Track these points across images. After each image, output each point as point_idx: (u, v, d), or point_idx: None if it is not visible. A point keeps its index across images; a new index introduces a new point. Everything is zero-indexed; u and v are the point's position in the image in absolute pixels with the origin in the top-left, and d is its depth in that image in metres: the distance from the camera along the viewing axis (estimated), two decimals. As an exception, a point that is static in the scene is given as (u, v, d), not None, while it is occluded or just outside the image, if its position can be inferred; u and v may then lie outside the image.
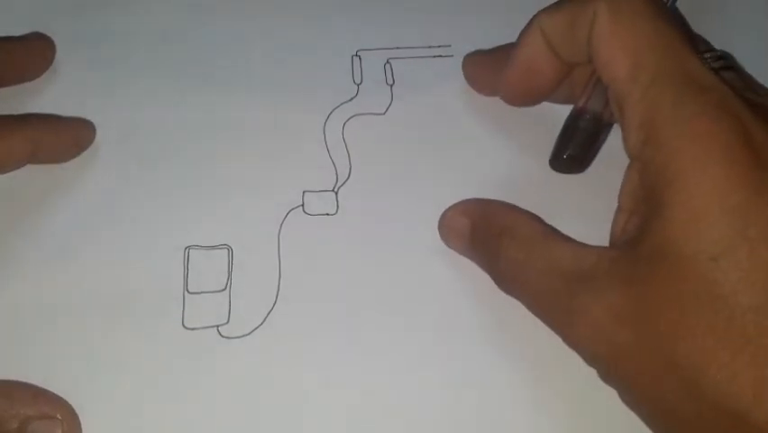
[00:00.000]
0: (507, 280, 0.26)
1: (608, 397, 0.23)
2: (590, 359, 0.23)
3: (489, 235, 0.26)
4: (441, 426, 0.25)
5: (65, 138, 0.29)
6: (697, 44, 0.26)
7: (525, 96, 0.29)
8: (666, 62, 0.22)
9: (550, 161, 0.28)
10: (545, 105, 0.29)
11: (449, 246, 0.28)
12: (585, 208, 0.28)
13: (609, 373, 0.23)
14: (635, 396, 0.23)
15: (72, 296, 0.27)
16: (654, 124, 0.22)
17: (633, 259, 0.22)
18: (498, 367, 0.26)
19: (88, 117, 0.30)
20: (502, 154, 0.30)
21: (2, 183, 0.28)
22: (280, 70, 0.32)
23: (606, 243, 0.26)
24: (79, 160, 0.29)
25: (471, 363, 0.26)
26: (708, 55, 0.26)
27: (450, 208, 0.28)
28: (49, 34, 0.31)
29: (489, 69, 0.30)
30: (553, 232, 0.25)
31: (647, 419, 0.23)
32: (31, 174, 0.29)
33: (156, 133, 0.30)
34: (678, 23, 0.25)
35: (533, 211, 0.26)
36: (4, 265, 0.27)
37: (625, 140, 0.23)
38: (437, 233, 0.28)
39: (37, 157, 0.28)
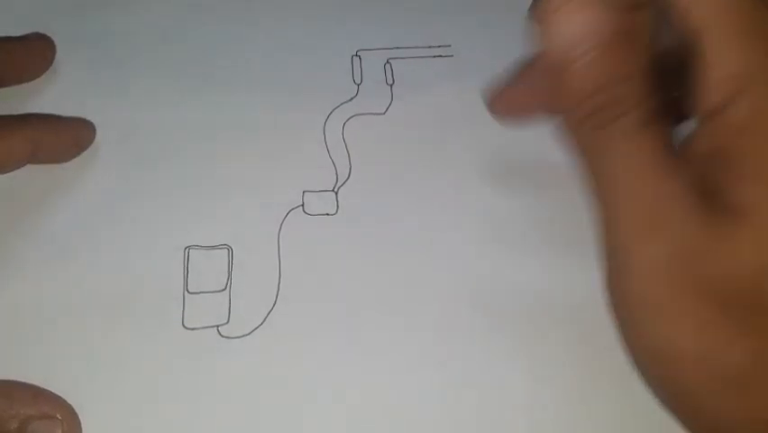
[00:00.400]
0: (609, 139, 0.20)
1: (609, 397, 0.23)
2: (640, 288, 0.20)
3: (622, 72, 0.19)
4: (441, 426, 0.25)
5: (65, 138, 0.29)
6: None
7: (513, 111, 0.26)
8: (756, 13, 0.19)
9: None
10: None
11: (540, 38, 0.20)
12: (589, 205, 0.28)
13: (647, 312, 0.20)
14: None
15: (72, 296, 0.27)
16: (744, 77, 0.19)
17: (719, 209, 0.19)
18: (498, 367, 0.26)
19: (88, 117, 0.30)
20: (502, 154, 0.30)
21: (2, 183, 0.28)
22: (280, 70, 0.32)
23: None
24: (79, 160, 0.29)
25: (471, 363, 0.26)
26: None
27: None
28: (49, 34, 0.31)
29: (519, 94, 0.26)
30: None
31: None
32: (31, 174, 0.29)
33: (156, 133, 0.30)
34: None
35: (535, 211, 0.26)
36: (4, 265, 0.27)
37: (702, 93, 0.20)
38: (437, 233, 0.28)
39: (37, 157, 0.28)
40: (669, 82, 0.21)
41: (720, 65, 0.19)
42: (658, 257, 0.19)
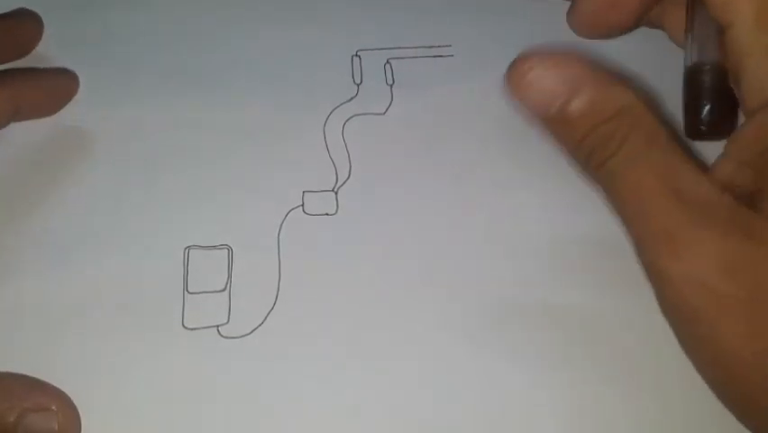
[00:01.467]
0: (610, 167, 0.21)
1: (609, 398, 0.23)
2: (679, 302, 0.20)
3: (601, 115, 0.20)
4: (441, 426, 0.25)
5: (47, 90, 0.29)
6: None
7: (601, 28, 0.26)
8: None
9: (688, 133, 0.24)
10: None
11: (524, 103, 0.22)
12: (590, 205, 0.28)
13: (698, 325, 0.20)
14: (724, 361, 0.20)
15: (72, 296, 0.27)
16: None
17: (754, 215, 0.20)
18: (499, 367, 0.26)
19: (88, 117, 0.30)
20: (503, 154, 0.30)
21: (2, 183, 0.28)
22: (280, 70, 0.32)
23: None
24: (80, 160, 0.29)
25: (471, 364, 0.26)
26: None
27: (536, 58, 0.21)
28: (49, 34, 0.31)
29: None
30: (676, 139, 0.21)
31: (738, 387, 0.20)
32: (31, 174, 0.29)
33: (156, 133, 0.30)
34: None
35: (535, 210, 0.26)
36: (4, 265, 0.27)
37: (745, 93, 0.21)
38: (437, 233, 0.28)
39: (21, 114, 0.28)
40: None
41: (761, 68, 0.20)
42: (690, 273, 0.20)
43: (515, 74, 0.21)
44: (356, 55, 0.32)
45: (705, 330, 0.20)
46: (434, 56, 0.32)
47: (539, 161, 0.29)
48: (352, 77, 0.32)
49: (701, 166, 0.21)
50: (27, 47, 0.31)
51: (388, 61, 0.32)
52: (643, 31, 0.28)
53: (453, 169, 0.30)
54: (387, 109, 0.31)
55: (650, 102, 0.21)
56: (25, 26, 0.31)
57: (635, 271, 0.22)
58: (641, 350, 0.26)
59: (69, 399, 0.24)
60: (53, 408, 0.24)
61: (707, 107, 0.23)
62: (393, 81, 0.32)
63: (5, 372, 0.25)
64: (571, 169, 0.25)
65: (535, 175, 0.29)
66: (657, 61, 0.28)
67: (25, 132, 0.30)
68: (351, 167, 0.30)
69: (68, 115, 0.30)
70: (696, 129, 0.23)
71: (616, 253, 0.25)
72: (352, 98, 0.31)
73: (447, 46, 0.32)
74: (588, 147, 0.21)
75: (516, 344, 0.26)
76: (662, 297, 0.21)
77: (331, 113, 0.31)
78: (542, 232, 0.28)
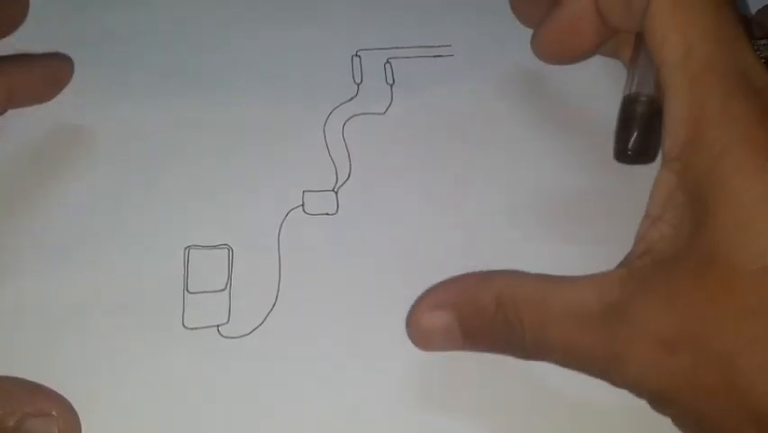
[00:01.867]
0: (529, 348, 0.23)
1: (609, 398, 0.23)
2: (644, 394, 0.21)
3: (486, 315, 0.23)
4: (441, 426, 0.25)
5: (41, 77, 0.28)
6: (751, 29, 0.25)
7: (559, 56, 0.27)
8: (720, 55, 0.21)
9: (615, 155, 0.25)
10: (547, 107, 0.29)
11: (434, 350, 0.24)
12: (591, 208, 0.28)
13: (663, 404, 0.21)
14: (691, 422, 0.21)
15: (72, 296, 0.27)
16: (700, 122, 0.21)
17: (674, 273, 0.20)
18: (498, 367, 0.26)
19: (88, 118, 0.30)
20: (503, 154, 0.30)
21: (2, 183, 0.28)
22: (280, 70, 0.32)
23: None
24: (80, 160, 0.29)
25: (471, 364, 0.26)
26: (763, 42, 0.25)
27: (417, 308, 0.24)
28: (48, 34, 0.31)
29: (535, 4, 0.28)
30: (556, 277, 0.23)
31: None
32: (31, 174, 0.29)
33: (156, 132, 0.30)
34: (735, 6, 0.23)
35: (535, 213, 0.26)
36: (4, 265, 0.27)
37: (666, 134, 0.22)
38: (437, 233, 0.28)
39: (15, 101, 0.27)
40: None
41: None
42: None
43: (413, 316, 0.24)
44: (356, 55, 0.32)
45: (657, 404, 0.22)
46: (434, 56, 0.32)
47: (539, 161, 0.29)
48: (352, 77, 0.32)
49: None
50: (11, 25, 0.30)
51: (388, 61, 0.32)
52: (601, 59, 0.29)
53: (453, 168, 0.30)
54: (387, 109, 0.31)
55: None
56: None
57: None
58: None
59: (70, 404, 0.24)
60: (53, 413, 0.24)
61: (635, 135, 0.25)
62: (393, 81, 0.32)
63: (6, 376, 0.25)
64: (571, 170, 0.25)
65: (535, 175, 0.29)
66: (610, 87, 0.29)
67: (25, 131, 0.30)
68: (351, 167, 0.30)
69: (69, 114, 0.30)
70: (624, 153, 0.25)
71: (620, 256, 0.25)
72: (352, 98, 0.31)
73: (447, 46, 0.32)
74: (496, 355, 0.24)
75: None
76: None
77: (331, 113, 0.31)
78: (545, 231, 0.28)
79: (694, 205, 0.20)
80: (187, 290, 0.27)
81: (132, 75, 0.31)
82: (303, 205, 0.29)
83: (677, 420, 0.21)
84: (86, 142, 0.30)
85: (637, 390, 0.21)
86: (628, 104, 0.25)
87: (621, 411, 0.24)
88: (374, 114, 0.31)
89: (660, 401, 0.21)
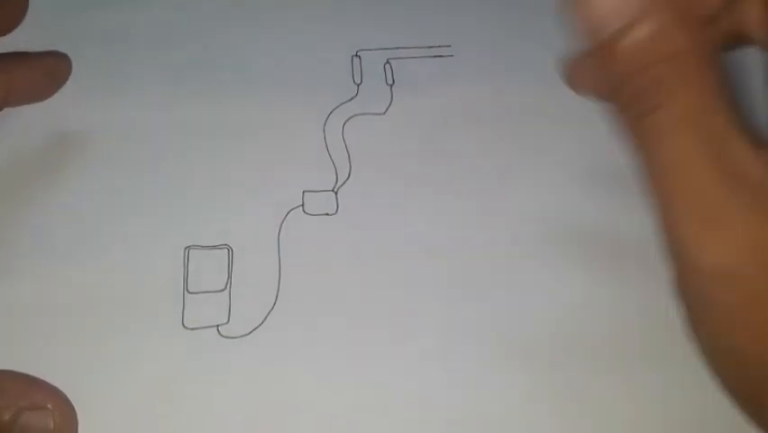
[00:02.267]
0: (656, 130, 0.18)
1: (609, 397, 0.23)
2: (705, 288, 0.18)
3: (656, 55, 0.18)
4: (441, 426, 0.25)
5: (38, 74, 0.28)
6: None
7: (583, 92, 0.25)
8: None
9: None
10: (547, 107, 0.29)
11: (575, 15, 0.18)
12: (592, 205, 0.28)
13: (719, 313, 0.18)
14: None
15: (72, 296, 0.27)
16: None
17: None
18: (498, 367, 0.26)
19: (88, 118, 0.30)
20: (502, 153, 0.30)
21: (2, 183, 0.28)
22: (280, 70, 0.32)
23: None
24: (79, 160, 0.29)
25: (471, 364, 0.26)
26: None
27: None
28: (48, 34, 0.31)
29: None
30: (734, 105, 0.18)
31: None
32: (30, 174, 0.29)
33: (156, 133, 0.30)
34: None
35: (535, 211, 0.26)
36: (4, 265, 0.27)
37: None
38: (437, 233, 0.28)
39: (12, 99, 0.27)
40: None
41: None
42: (723, 260, 0.18)
43: None
44: (356, 55, 0.32)
45: (725, 319, 0.18)
46: (434, 56, 0.32)
47: (539, 161, 0.29)
48: (352, 77, 0.32)
49: (756, 141, 0.18)
50: (10, 24, 0.29)
51: (388, 61, 0.32)
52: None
53: (453, 168, 0.30)
54: (387, 109, 0.31)
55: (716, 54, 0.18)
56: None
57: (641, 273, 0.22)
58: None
59: (66, 397, 0.24)
60: (49, 406, 0.24)
61: None
62: (393, 81, 0.32)
63: (1, 369, 0.25)
64: (573, 170, 0.25)
65: (536, 175, 0.29)
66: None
67: (24, 131, 0.30)
68: (351, 167, 0.30)
69: (68, 114, 0.30)
70: None
71: (617, 256, 0.25)
72: (352, 98, 0.31)
73: (447, 46, 0.32)
74: (633, 90, 0.18)
75: (517, 344, 0.26)
76: (684, 278, 0.19)
77: (331, 113, 0.31)
78: (543, 231, 0.28)
79: None
80: (187, 290, 0.27)
81: (132, 74, 0.31)
82: (303, 205, 0.29)
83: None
84: (85, 142, 0.30)
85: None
86: None
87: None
88: (374, 114, 0.31)
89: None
